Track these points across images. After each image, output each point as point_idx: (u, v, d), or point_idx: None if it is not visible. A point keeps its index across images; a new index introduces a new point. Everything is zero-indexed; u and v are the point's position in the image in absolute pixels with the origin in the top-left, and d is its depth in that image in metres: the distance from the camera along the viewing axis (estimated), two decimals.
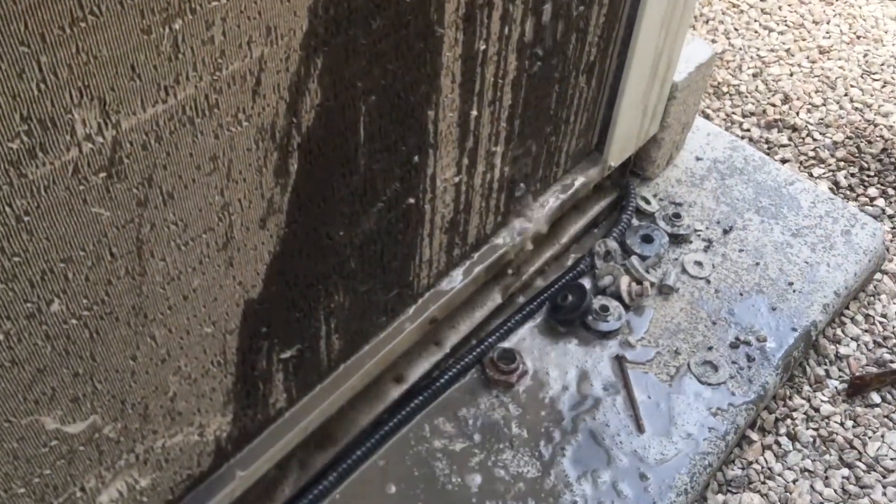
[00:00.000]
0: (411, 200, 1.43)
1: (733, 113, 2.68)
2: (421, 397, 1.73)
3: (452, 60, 1.31)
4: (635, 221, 2.10)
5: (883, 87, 2.77)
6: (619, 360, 1.85)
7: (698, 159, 2.26)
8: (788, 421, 1.97)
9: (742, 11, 2.99)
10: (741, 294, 2.00)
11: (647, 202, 2.13)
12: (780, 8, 3.00)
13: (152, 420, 1.22)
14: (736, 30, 2.93)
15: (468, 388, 1.79)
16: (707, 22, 2.98)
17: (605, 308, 1.90)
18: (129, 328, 1.08)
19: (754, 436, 1.92)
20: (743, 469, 1.88)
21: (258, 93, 1.03)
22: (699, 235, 2.11)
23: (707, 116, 2.66)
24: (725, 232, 2.11)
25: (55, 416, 1.06)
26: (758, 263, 2.06)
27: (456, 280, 1.69)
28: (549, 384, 1.80)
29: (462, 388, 1.79)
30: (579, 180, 1.88)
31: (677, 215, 2.09)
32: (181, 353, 1.19)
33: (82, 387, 1.07)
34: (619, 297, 1.94)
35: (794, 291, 2.00)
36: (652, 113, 1.94)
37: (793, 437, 1.95)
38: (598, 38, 1.64)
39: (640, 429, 1.75)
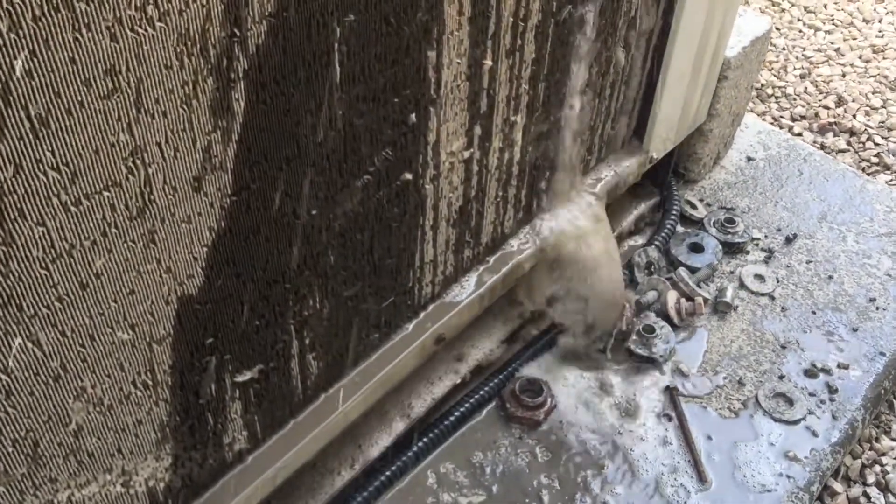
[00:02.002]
0: (408, 176, 1.10)
1: (781, 116, 2.35)
2: (425, 439, 1.39)
3: None
4: (680, 228, 1.76)
5: None
6: (671, 393, 1.50)
7: (750, 159, 1.93)
8: (877, 467, 1.61)
9: (783, 10, 2.69)
10: (814, 312, 1.65)
11: (693, 206, 1.80)
12: (825, 6, 2.70)
13: (47, 464, 0.88)
14: (777, 29, 2.62)
15: (484, 426, 1.44)
16: None
17: (649, 329, 1.56)
18: None
19: (838, 486, 1.56)
20: None
21: None
22: (757, 245, 1.77)
23: None
24: (788, 240, 1.77)
25: None
26: (831, 277, 1.71)
27: (467, 290, 1.35)
28: (585, 422, 1.45)
29: (477, 427, 1.44)
30: (615, 173, 1.55)
31: (730, 220, 1.76)
32: (84, 368, 0.85)
33: None
34: (665, 316, 1.60)
35: (877, 309, 1.65)
36: (700, 93, 1.62)
37: (884, 488, 1.58)
38: None
39: (701, 478, 1.38)
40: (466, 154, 1.18)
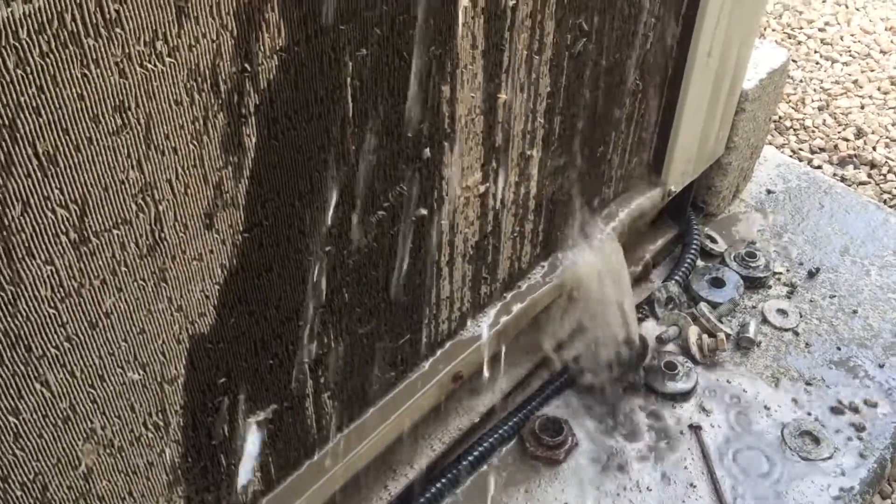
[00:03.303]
0: (422, 211, 1.09)
1: (800, 149, 2.33)
2: (443, 480, 1.36)
3: (472, 15, 0.98)
4: (700, 263, 1.74)
5: None
6: (695, 431, 1.46)
7: (769, 192, 1.91)
8: None
9: (800, 42, 2.68)
10: (839, 348, 1.62)
11: (714, 240, 1.77)
12: (841, 38, 2.69)
13: None
14: (794, 61, 2.61)
15: (504, 466, 1.41)
16: None
17: (671, 365, 1.53)
18: (1, 367, 0.73)
19: None
20: None
21: (185, 12, 0.71)
22: (779, 279, 1.74)
23: None
24: (811, 275, 1.74)
25: None
26: (855, 311, 1.68)
27: (484, 326, 1.33)
28: (605, 460, 1.42)
29: (496, 467, 1.41)
30: (633, 208, 1.53)
31: (751, 255, 1.73)
32: (94, 410, 0.84)
33: None
34: (687, 353, 1.57)
35: None
36: (718, 126, 1.60)
37: None
38: (654, 20, 1.32)
39: None
40: (482, 189, 1.17)
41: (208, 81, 0.76)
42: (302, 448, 1.14)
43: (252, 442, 1.03)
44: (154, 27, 0.69)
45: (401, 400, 1.23)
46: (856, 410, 1.52)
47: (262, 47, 0.78)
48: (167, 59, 0.71)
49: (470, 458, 1.39)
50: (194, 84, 0.75)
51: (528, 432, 1.43)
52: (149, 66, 0.70)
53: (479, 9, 0.99)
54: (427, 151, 1.04)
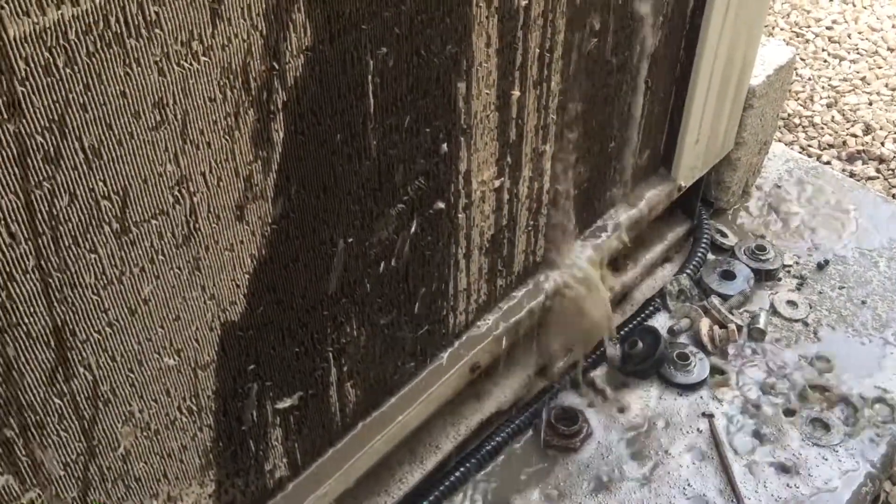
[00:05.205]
0: (440, 205, 1.13)
1: (809, 145, 2.37)
2: (462, 469, 1.39)
3: (486, 14, 1.03)
4: (711, 256, 1.77)
5: None
6: (708, 420, 1.50)
7: (778, 187, 1.94)
8: None
9: (808, 41, 2.71)
10: (849, 338, 1.65)
11: (724, 235, 1.81)
12: (849, 36, 2.72)
13: (97, 488, 0.90)
14: (802, 60, 2.64)
15: (521, 455, 1.45)
16: None
17: (683, 356, 1.56)
18: (46, 349, 0.78)
19: None
20: None
21: (219, 13, 0.75)
22: (789, 272, 1.77)
23: None
24: (820, 267, 1.77)
25: None
26: (864, 302, 1.71)
27: (500, 319, 1.36)
28: (620, 450, 1.45)
29: (513, 456, 1.44)
30: (644, 203, 1.57)
31: (761, 248, 1.76)
32: (132, 393, 0.88)
33: None
34: (699, 344, 1.60)
35: None
36: (726, 122, 1.64)
37: None
38: (662, 18, 1.36)
39: None
40: (497, 183, 1.21)
41: (240, 79, 0.80)
42: (327, 435, 1.18)
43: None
44: (190, 28, 0.74)
45: (421, 389, 1.27)
46: (865, 398, 1.55)
47: (289, 47, 0.83)
48: (202, 58, 0.76)
49: (487, 448, 1.42)
50: (227, 82, 0.79)
51: (544, 422, 1.47)
52: (185, 64, 0.75)
53: (493, 8, 1.03)
54: (444, 146, 1.08)
